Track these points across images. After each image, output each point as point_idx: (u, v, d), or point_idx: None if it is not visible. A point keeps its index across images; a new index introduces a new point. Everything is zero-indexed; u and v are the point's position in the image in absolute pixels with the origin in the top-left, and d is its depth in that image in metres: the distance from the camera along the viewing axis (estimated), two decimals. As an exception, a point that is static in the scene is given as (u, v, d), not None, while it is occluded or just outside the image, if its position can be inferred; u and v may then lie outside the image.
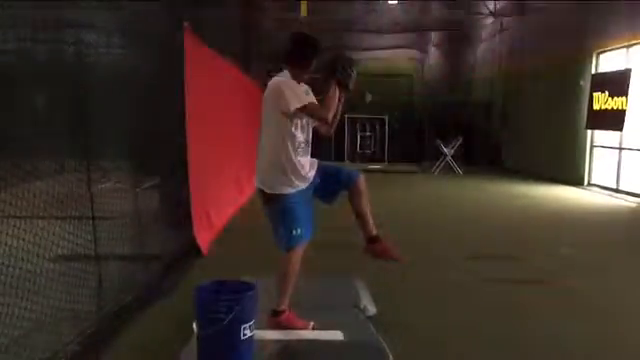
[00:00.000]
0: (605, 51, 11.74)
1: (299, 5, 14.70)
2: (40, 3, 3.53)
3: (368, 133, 19.15)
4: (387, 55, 21.30)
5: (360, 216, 3.53)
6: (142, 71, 5.02)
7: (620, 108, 10.65)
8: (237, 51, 10.13)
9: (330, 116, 3.38)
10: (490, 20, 17.28)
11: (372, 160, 18.02)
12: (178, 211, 5.60)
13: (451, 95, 19.79)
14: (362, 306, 3.96)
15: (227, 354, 2.88)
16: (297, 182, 3.39)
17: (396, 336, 3.52)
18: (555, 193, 11.44)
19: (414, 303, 4.41)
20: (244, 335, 2.86)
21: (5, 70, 3.50)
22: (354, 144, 19.05)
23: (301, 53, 3.41)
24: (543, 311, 4.29)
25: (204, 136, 6.28)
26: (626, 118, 10.50)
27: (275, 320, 3.48)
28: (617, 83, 10.82)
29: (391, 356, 3.17)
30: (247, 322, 2.87)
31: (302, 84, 3.48)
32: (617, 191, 11.00)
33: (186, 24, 5.52)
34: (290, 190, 3.38)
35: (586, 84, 12.12)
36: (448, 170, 15.26)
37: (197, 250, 5.56)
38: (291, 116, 3.31)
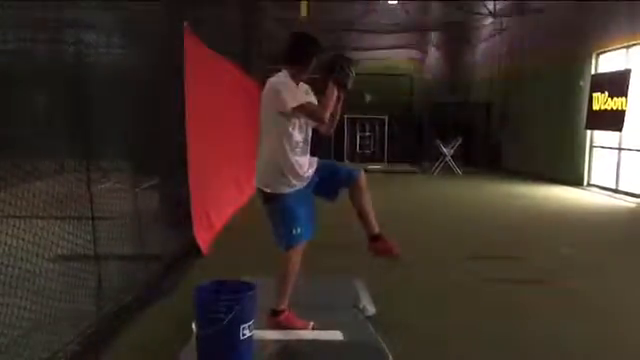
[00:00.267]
0: (605, 51, 11.74)
1: (299, 5, 14.70)
2: (40, 3, 3.53)
3: (368, 133, 19.15)
4: (387, 55, 21.30)
5: (362, 214, 3.52)
6: (142, 71, 5.02)
7: (620, 108, 10.65)
8: (237, 51, 10.13)
9: (327, 116, 3.37)
10: (490, 20, 17.28)
11: (371, 160, 18.00)
12: (178, 211, 5.60)
13: (451, 95, 19.80)
14: (361, 306, 3.96)
15: (227, 354, 2.88)
16: (295, 182, 3.39)
17: (395, 336, 3.52)
18: (554, 193, 11.45)
19: (414, 303, 4.41)
20: (243, 335, 2.86)
21: (5, 70, 3.50)
22: (354, 144, 19.04)
23: (300, 53, 3.41)
24: (543, 311, 4.30)
25: (204, 136, 6.28)
26: (625, 118, 10.50)
27: (275, 320, 3.48)
28: (617, 83, 10.83)
29: (390, 356, 3.17)
30: (247, 322, 2.87)
31: (302, 83, 3.48)
32: (616, 191, 11.01)
33: (186, 24, 5.52)
34: (289, 189, 3.38)
35: (586, 84, 12.12)
36: (448, 170, 15.26)
37: (197, 250, 5.56)
38: (288, 116, 3.31)
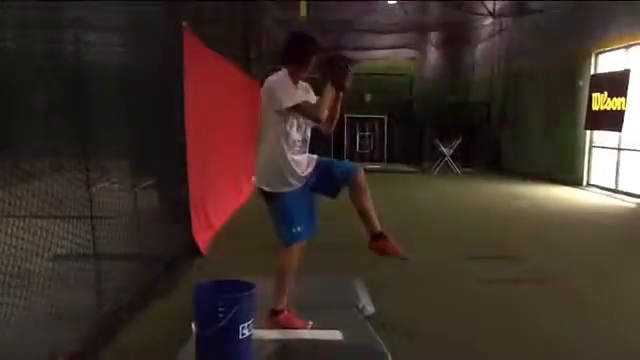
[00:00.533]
0: (604, 52, 11.75)
1: (298, 5, 14.68)
2: (40, 3, 3.53)
3: (367, 133, 19.16)
4: (386, 55, 21.32)
5: (362, 212, 3.50)
6: (141, 71, 5.02)
7: (619, 109, 10.66)
8: (237, 51, 10.14)
9: (323, 115, 3.36)
10: (489, 20, 17.28)
11: (371, 160, 18.02)
12: (177, 210, 5.60)
13: (450, 95, 19.79)
14: (361, 306, 3.96)
15: (226, 353, 2.88)
16: (294, 181, 3.39)
17: (395, 336, 3.52)
18: (554, 193, 11.45)
19: (413, 303, 4.41)
20: (243, 334, 2.86)
21: (4, 69, 3.49)
22: (353, 144, 19.05)
23: (299, 52, 3.41)
24: (543, 311, 4.30)
25: (203, 135, 6.28)
26: (625, 119, 10.51)
27: (274, 319, 3.49)
28: (616, 84, 10.83)
29: (389, 356, 3.17)
30: (246, 321, 2.87)
31: (302, 82, 3.49)
32: (616, 191, 11.01)
33: (185, 24, 5.52)
34: (287, 188, 3.39)
35: (585, 84, 12.12)
36: (447, 170, 15.27)
37: (196, 250, 5.56)
38: (285, 115, 3.31)
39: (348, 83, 3.40)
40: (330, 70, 3.37)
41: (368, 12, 17.27)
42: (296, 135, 3.40)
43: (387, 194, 10.31)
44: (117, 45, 4.78)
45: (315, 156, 3.54)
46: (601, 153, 11.99)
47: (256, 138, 3.55)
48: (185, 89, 5.53)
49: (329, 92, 3.35)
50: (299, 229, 3.38)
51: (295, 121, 3.37)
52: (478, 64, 19.33)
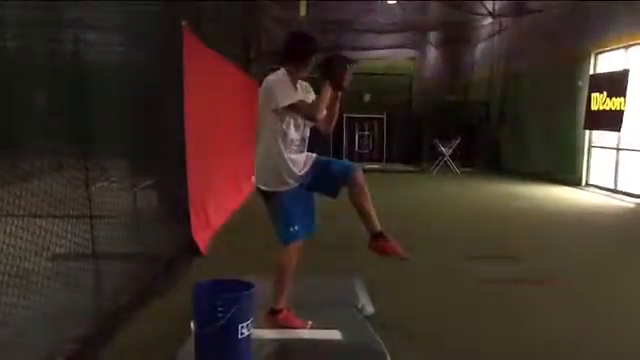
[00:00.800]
0: (603, 52, 11.75)
1: (298, 4, 14.69)
2: (39, 3, 3.53)
3: (366, 132, 19.15)
4: (386, 55, 21.29)
5: (361, 212, 3.48)
6: (141, 70, 5.02)
7: (618, 109, 10.66)
8: (236, 50, 10.13)
9: (319, 115, 3.36)
10: (489, 20, 17.29)
11: (370, 160, 18.02)
12: (177, 210, 5.59)
13: (449, 95, 19.79)
14: (360, 305, 3.96)
15: (225, 353, 2.88)
16: (291, 180, 3.39)
17: (394, 336, 3.52)
18: (553, 193, 11.46)
19: (412, 302, 4.41)
20: (242, 334, 2.86)
21: (4, 69, 3.49)
22: (352, 143, 19.05)
23: (298, 52, 3.41)
24: (542, 311, 4.30)
25: (203, 135, 6.28)
26: (624, 118, 10.52)
27: (273, 319, 3.49)
28: (615, 84, 10.84)
29: (388, 355, 3.17)
30: (245, 321, 2.87)
31: (301, 81, 3.49)
32: (615, 191, 11.02)
33: (184, 23, 5.52)
34: (284, 188, 3.39)
35: (584, 84, 12.12)
36: (446, 170, 15.28)
37: (195, 249, 5.56)
38: (282, 114, 3.31)
39: (347, 83, 3.39)
40: (328, 70, 3.37)
41: (367, 12, 17.28)
42: (294, 134, 3.39)
43: (386, 194, 10.31)
44: (117, 45, 4.78)
45: (314, 155, 3.53)
46: (600, 153, 12.00)
47: (255, 137, 3.54)
48: (185, 88, 5.52)
49: (327, 92, 3.34)
50: (296, 228, 3.38)
51: (292, 120, 3.37)
52: (477, 64, 19.32)
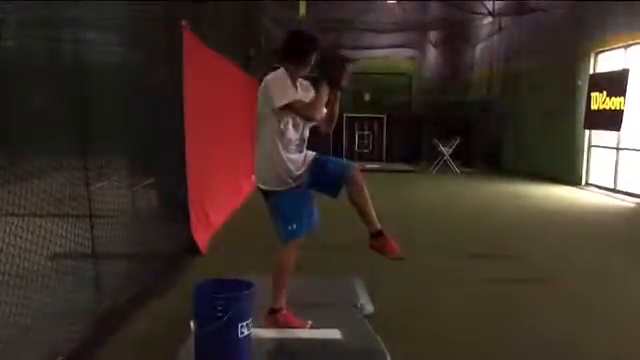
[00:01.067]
0: (603, 51, 11.75)
1: (298, 4, 14.68)
2: (39, 2, 3.53)
3: (366, 132, 19.16)
4: (386, 54, 21.31)
5: (361, 211, 3.47)
6: (141, 70, 5.02)
7: (618, 108, 10.66)
8: (236, 50, 10.13)
9: (316, 114, 3.35)
10: (489, 20, 17.29)
11: (370, 159, 18.02)
12: (176, 210, 5.59)
13: (449, 94, 19.81)
14: (360, 305, 3.96)
15: (225, 352, 2.88)
16: (289, 179, 3.40)
17: (394, 335, 3.52)
18: (553, 193, 11.46)
19: (412, 302, 4.41)
20: (242, 333, 2.86)
21: (4, 68, 3.49)
22: (352, 143, 19.06)
23: (297, 50, 3.41)
24: (543, 310, 4.30)
25: (203, 134, 6.28)
26: (624, 118, 10.52)
27: (272, 318, 3.49)
28: (615, 83, 10.84)
29: (388, 355, 3.17)
30: (245, 320, 2.87)
31: (302, 80, 3.48)
32: (614, 191, 11.02)
33: (184, 22, 5.52)
34: (283, 187, 3.39)
35: (584, 84, 12.13)
36: (446, 169, 15.28)
37: (195, 248, 5.56)
38: (279, 114, 3.31)
39: (345, 82, 3.38)
40: (326, 70, 3.36)
41: (367, 11, 17.27)
42: (292, 134, 3.39)
43: (386, 193, 10.31)
44: (116, 44, 4.78)
45: (313, 153, 3.53)
46: (600, 152, 12.00)
47: (255, 137, 3.54)
48: (184, 87, 5.52)
49: (324, 92, 3.34)
50: (295, 226, 3.38)
51: (291, 120, 3.37)
52: (477, 63, 19.33)
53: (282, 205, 3.40)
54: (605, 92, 11.13)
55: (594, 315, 4.25)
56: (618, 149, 11.16)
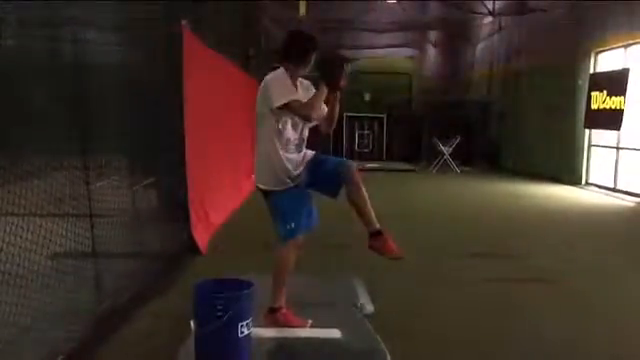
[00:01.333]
0: (603, 50, 11.75)
1: (297, 4, 14.67)
2: (39, 2, 3.53)
3: (366, 131, 19.18)
4: (386, 54, 21.30)
5: (359, 211, 3.45)
6: (141, 69, 5.02)
7: (618, 107, 10.66)
8: (236, 49, 10.13)
9: (313, 114, 3.35)
10: (489, 19, 17.28)
11: (370, 159, 18.04)
12: (176, 209, 5.60)
13: (449, 94, 19.81)
14: (360, 304, 3.96)
15: (225, 352, 2.88)
16: (287, 179, 3.40)
17: (394, 335, 3.52)
18: (553, 192, 11.46)
19: (412, 302, 4.41)
20: (241, 333, 2.86)
21: (3, 68, 3.49)
22: (352, 143, 19.06)
23: (297, 50, 3.41)
24: (543, 310, 4.30)
25: (203, 134, 6.28)
26: (624, 117, 10.52)
27: (272, 318, 3.49)
28: (615, 82, 10.84)
29: (388, 355, 3.17)
30: (245, 320, 2.87)
31: (302, 80, 3.48)
32: (614, 190, 11.02)
33: (184, 22, 5.52)
34: (281, 186, 3.40)
35: (584, 83, 12.13)
36: (446, 169, 15.28)
37: (195, 248, 5.56)
38: (277, 113, 3.31)
39: (343, 82, 3.38)
40: (325, 70, 3.36)
41: (367, 11, 17.26)
42: (291, 134, 3.39)
43: (386, 193, 10.32)
44: (116, 44, 4.78)
45: (312, 152, 3.53)
46: (600, 152, 12.00)
47: (255, 136, 3.54)
48: (184, 87, 5.52)
49: (322, 92, 3.34)
50: (293, 225, 3.39)
51: (290, 120, 3.36)
52: (477, 63, 19.33)
53: (280, 204, 3.41)
54: (605, 91, 11.13)
55: (594, 315, 4.25)
56: (618, 148, 11.16)
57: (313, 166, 3.48)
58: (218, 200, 7.14)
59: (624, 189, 10.76)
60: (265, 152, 3.40)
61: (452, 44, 20.69)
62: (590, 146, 12.29)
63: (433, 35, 21.73)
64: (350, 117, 18.35)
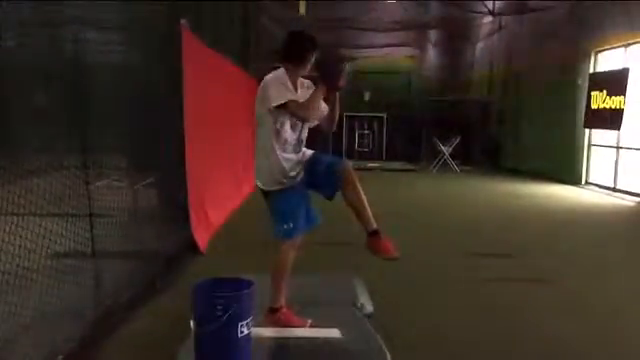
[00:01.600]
0: (603, 50, 11.76)
1: (297, 4, 14.67)
2: (39, 2, 3.52)
3: (366, 131, 19.18)
4: (386, 53, 21.26)
5: (355, 211, 3.42)
6: (140, 69, 5.02)
7: (618, 107, 10.67)
8: (236, 50, 10.13)
9: (310, 114, 3.34)
10: (489, 19, 17.28)
11: (370, 158, 18.05)
12: (176, 209, 5.60)
13: (449, 93, 19.80)
14: (360, 304, 3.96)
15: (224, 351, 2.88)
16: (285, 179, 3.39)
17: (394, 334, 3.52)
18: (553, 192, 11.47)
19: (412, 301, 4.41)
20: (241, 332, 2.86)
21: (3, 68, 3.49)
22: (352, 142, 19.05)
23: (297, 50, 3.41)
24: (543, 309, 4.30)
25: (203, 134, 6.28)
26: (624, 117, 10.52)
27: (272, 317, 3.49)
28: (615, 82, 10.84)
29: (388, 354, 3.17)
30: (245, 319, 2.87)
31: (302, 79, 3.48)
32: (614, 190, 11.03)
33: (183, 22, 5.51)
34: (280, 186, 3.40)
35: (584, 83, 12.13)
36: (446, 168, 15.28)
37: (195, 248, 5.56)
38: (275, 113, 3.31)
39: (342, 82, 3.37)
40: (323, 70, 3.36)
41: (367, 10, 17.25)
42: (289, 134, 3.38)
43: (386, 192, 10.32)
44: (117, 44, 4.78)
45: (310, 152, 3.52)
46: (600, 151, 12.00)
47: (255, 136, 3.54)
48: (184, 87, 5.52)
49: (319, 92, 3.33)
50: (291, 225, 3.38)
51: (288, 121, 3.36)
52: (477, 62, 19.33)
53: (278, 204, 3.41)
54: (605, 91, 11.13)
55: (594, 314, 4.26)
56: (618, 148, 11.16)
57: (310, 165, 3.47)
58: (218, 200, 7.14)
59: (624, 189, 10.76)
60: (263, 152, 3.40)
61: (452, 44, 20.68)
62: (590, 146, 12.29)
63: (433, 35, 21.71)
64: (350, 117, 18.34)
